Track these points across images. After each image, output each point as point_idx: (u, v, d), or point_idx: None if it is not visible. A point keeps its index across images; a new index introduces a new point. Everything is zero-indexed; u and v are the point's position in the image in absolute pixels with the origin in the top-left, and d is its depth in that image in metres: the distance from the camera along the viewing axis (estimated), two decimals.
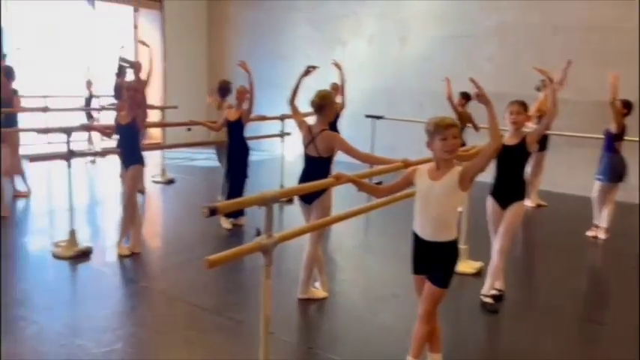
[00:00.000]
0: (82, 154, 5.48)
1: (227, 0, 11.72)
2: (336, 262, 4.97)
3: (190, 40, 11.64)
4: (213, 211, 2.19)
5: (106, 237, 5.43)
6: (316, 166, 3.64)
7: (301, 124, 3.78)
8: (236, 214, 5.77)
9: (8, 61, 8.06)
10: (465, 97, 6.71)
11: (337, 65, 7.02)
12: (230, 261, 2.38)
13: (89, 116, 8.90)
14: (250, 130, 6.30)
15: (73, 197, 4.74)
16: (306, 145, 3.67)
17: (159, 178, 7.87)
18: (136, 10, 11.28)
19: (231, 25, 11.74)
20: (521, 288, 4.53)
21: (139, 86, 4.64)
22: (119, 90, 5.55)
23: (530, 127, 6.31)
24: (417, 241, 2.74)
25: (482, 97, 2.66)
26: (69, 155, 4.57)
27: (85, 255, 4.68)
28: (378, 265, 5.02)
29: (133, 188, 4.67)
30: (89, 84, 8.91)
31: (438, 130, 2.57)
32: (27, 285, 4.16)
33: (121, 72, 7.63)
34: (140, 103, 4.55)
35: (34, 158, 4.41)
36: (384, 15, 9.69)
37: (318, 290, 4.05)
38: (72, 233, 4.72)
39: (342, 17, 10.14)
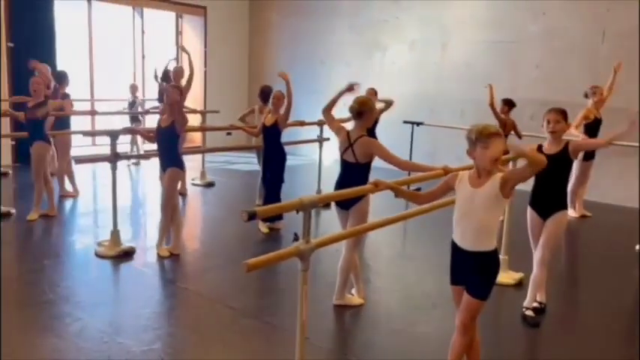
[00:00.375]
0: (126, 157, 5.61)
1: (268, 7, 11.87)
2: (372, 269, 4.94)
3: (232, 45, 11.84)
4: (251, 216, 2.21)
5: (148, 237, 5.55)
6: (354, 172, 3.62)
7: (339, 131, 3.77)
8: (274, 218, 5.81)
9: (60, 66, 8.40)
10: (508, 104, 6.57)
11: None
12: (268, 265, 2.39)
13: (133, 120, 9.16)
14: (289, 135, 6.35)
15: (116, 198, 4.87)
16: (344, 151, 3.66)
17: (199, 181, 8.00)
18: (179, 17, 11.56)
19: (272, 31, 11.88)
20: (563, 302, 4.39)
21: (178, 91, 4.74)
22: (162, 94, 5.67)
23: (574, 134, 6.14)
24: (456, 250, 2.69)
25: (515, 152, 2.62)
26: (113, 158, 4.70)
27: (127, 255, 4.81)
28: (416, 274, 4.96)
29: (171, 191, 4.75)
30: (134, 88, 9.18)
31: (481, 138, 2.51)
32: (72, 282, 4.30)
33: (165, 77, 7.83)
34: (179, 107, 4.64)
35: (79, 160, 4.55)
36: (425, 20, 9.60)
37: (354, 297, 4.03)
38: (115, 233, 4.85)
39: (382, 22, 10.11)
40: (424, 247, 5.80)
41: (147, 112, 7.98)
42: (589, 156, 6.59)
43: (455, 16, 9.27)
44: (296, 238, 2.34)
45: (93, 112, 7.13)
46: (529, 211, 3.83)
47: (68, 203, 6.64)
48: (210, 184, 8.02)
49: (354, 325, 3.86)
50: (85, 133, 4.47)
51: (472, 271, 2.62)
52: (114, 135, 4.66)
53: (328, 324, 3.76)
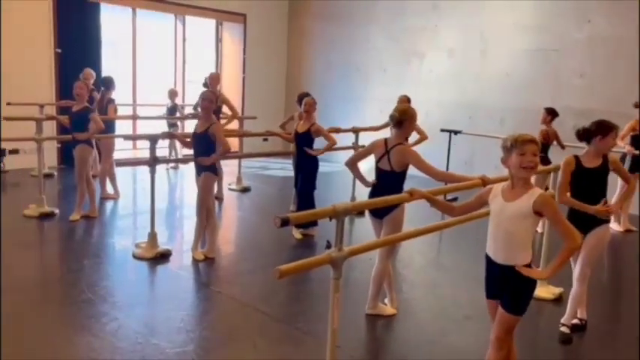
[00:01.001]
0: (165, 161, 5.72)
1: (305, 13, 11.95)
2: (406, 278, 4.88)
3: (270, 52, 11.96)
4: (284, 222, 2.22)
5: (184, 240, 5.64)
6: (389, 181, 3.59)
7: (377, 142, 3.74)
8: (307, 224, 5.82)
9: (105, 71, 8.66)
10: (551, 113, 6.40)
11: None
12: (300, 272, 2.39)
13: (171, 125, 9.34)
14: (323, 141, 6.34)
15: (154, 201, 4.97)
16: (379, 159, 3.64)
17: (235, 186, 8.09)
18: (219, 24, 11.76)
19: (309, 37, 11.95)
20: (605, 318, 4.22)
21: (214, 97, 4.80)
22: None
23: (619, 145, 5.93)
24: (490, 263, 2.63)
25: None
26: (152, 161, 4.80)
27: (163, 257, 4.90)
28: (450, 285, 4.87)
29: (205, 195, 4.81)
30: (173, 94, 9.35)
31: (516, 144, 2.45)
32: (110, 283, 4.40)
33: (207, 84, 7.96)
34: (213, 113, 4.71)
35: (120, 163, 4.67)
36: (464, 27, 9.48)
37: (387, 307, 3.98)
38: (152, 236, 4.94)
39: (420, 29, 10.03)
40: (459, 258, 5.69)
41: (186, 117, 8.11)
42: (635, 168, 6.35)
43: (495, 23, 9.12)
44: (328, 246, 2.31)
45: (134, 117, 7.28)
46: None
47: (109, 205, 6.82)
48: (246, 189, 8.10)
49: (386, 335, 3.81)
50: (126, 137, 4.58)
51: (506, 285, 2.56)
52: (153, 139, 4.76)
53: (360, 333, 3.73)
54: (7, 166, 8.44)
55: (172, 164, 9.45)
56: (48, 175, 8.16)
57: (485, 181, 3.24)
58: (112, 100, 6.86)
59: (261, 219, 6.68)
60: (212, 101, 4.65)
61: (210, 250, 4.95)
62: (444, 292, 4.68)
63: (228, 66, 11.72)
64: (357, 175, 3.99)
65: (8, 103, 7.62)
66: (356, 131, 7.04)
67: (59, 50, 8.83)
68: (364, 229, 6.26)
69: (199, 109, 5.81)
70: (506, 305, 2.56)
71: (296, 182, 5.87)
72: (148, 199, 4.97)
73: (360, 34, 10.91)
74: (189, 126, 9.55)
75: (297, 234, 5.78)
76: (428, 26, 9.94)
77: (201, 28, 11.81)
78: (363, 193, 7.37)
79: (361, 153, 3.97)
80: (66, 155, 9.14)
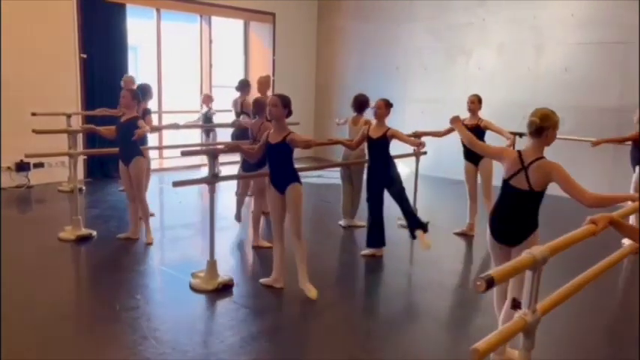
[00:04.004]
0: (226, 178, 5.09)
1: (337, 12, 11.31)
2: None
3: (300, 53, 11.35)
4: (490, 283, 1.58)
5: (245, 266, 5.04)
6: (523, 202, 2.94)
7: (506, 154, 3.07)
8: (375, 243, 5.20)
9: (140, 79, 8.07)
10: None
11: None
12: (497, 346, 1.75)
13: (207, 133, 8.73)
14: None
15: (214, 225, 4.33)
16: (512, 175, 2.97)
17: None
18: (247, 24, 11.14)
19: (341, 38, 11.31)
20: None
21: (280, 101, 4.13)
22: (260, 106, 5.14)
23: None
24: None
25: None
26: (212, 179, 4.18)
27: (225, 288, 4.26)
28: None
29: (301, 211, 4.14)
30: (208, 99, 8.72)
31: None
32: (170, 324, 3.74)
33: (243, 88, 7.36)
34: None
35: (177, 183, 4.04)
36: (516, 21, 8.81)
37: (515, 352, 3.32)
38: (212, 264, 4.31)
39: (466, 25, 9.37)
40: None
41: (240, 125, 7.27)
42: None
43: (551, 15, 8.45)
44: (516, 305, 1.74)
45: (176, 127, 6.66)
46: None
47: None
48: None
49: None
50: (185, 152, 3.94)
51: None
52: (214, 154, 4.14)
53: None
54: (31, 180, 7.86)
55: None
56: (78, 190, 7.58)
57: None
58: (148, 111, 6.25)
59: (320, 236, 6.02)
60: (279, 105, 4.00)
61: (277, 278, 4.30)
62: None
63: (257, 68, 11.09)
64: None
65: (33, 114, 7.01)
66: (417, 137, 6.37)
67: (84, 55, 8.23)
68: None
69: (257, 117, 5.22)
70: None
71: (369, 195, 5.19)
72: (181, 216, 4.31)
73: (400, 31, 10.25)
74: (223, 134, 8.94)
75: (367, 253, 5.16)
76: (475, 21, 9.28)
77: (228, 29, 11.22)
78: (424, 203, 6.66)
79: (491, 150, 3.29)
80: (93, 168, 8.57)
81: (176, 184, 4.00)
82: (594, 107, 8.06)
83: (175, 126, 6.62)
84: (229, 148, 4.28)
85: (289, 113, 4.11)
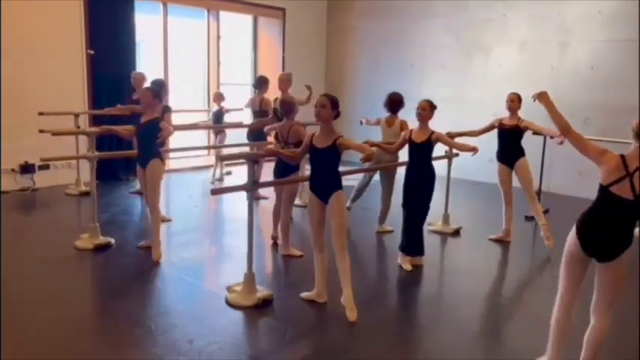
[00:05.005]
0: (267, 184, 4.76)
1: (348, 8, 10.99)
2: None
3: (310, 51, 11.01)
4: None
5: (281, 279, 4.73)
6: (626, 214, 2.64)
7: (607, 158, 2.74)
8: (415, 251, 4.90)
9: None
10: None
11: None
12: None
13: (216, 133, 8.37)
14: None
15: (252, 235, 3.99)
16: (614, 182, 2.66)
17: (298, 201, 7.11)
18: (256, 20, 10.79)
19: (352, 34, 10.98)
20: None
21: (329, 102, 3.81)
22: (289, 107, 4.81)
23: None
24: None
25: None
26: (251, 186, 3.84)
27: (265, 304, 3.94)
28: None
29: (346, 218, 3.84)
30: (219, 97, 8.34)
31: None
32: (216, 343, 3.42)
33: (261, 85, 7.04)
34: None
35: (215, 191, 3.70)
36: (539, 17, 8.54)
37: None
38: (250, 277, 3.98)
39: (485, 21, 9.09)
40: None
41: (255, 123, 6.88)
42: None
43: (576, 11, 8.18)
44: None
45: (206, 127, 6.30)
46: None
47: (167, 229, 5.84)
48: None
49: None
50: (224, 158, 3.60)
51: None
52: (254, 159, 3.81)
53: None
54: (37, 183, 7.47)
55: (217, 177, 8.46)
56: (85, 193, 7.21)
57: None
58: (168, 108, 5.89)
59: (357, 245, 5.69)
60: (328, 106, 3.68)
61: (320, 293, 3.98)
62: None
63: (266, 66, 10.74)
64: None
65: (40, 113, 6.64)
66: (452, 137, 6.06)
67: (91, 52, 7.84)
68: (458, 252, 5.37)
69: (285, 119, 4.89)
70: None
71: (407, 201, 4.87)
72: (199, 221, 3.99)
73: (415, 28, 9.95)
74: (233, 135, 8.59)
75: (407, 265, 4.84)
76: (495, 17, 9.00)
77: (237, 25, 10.85)
78: (456, 208, 6.32)
79: (589, 148, 2.82)
80: (101, 170, 8.15)
81: (214, 192, 3.67)
82: (622, 107, 7.79)
83: (195, 126, 6.26)
84: (268, 153, 3.93)
85: (338, 114, 3.80)
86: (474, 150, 4.47)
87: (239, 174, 8.86)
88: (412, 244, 4.88)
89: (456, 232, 6.08)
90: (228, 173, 8.83)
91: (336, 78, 11.30)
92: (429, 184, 4.75)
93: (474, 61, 9.32)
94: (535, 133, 5.83)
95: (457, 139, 5.38)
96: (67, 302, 3.94)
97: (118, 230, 5.67)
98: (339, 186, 3.77)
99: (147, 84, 6.98)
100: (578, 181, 7.78)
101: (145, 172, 4.72)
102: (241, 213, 6.03)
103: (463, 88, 9.39)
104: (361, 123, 6.29)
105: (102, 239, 5.11)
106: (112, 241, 5.21)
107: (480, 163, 6.68)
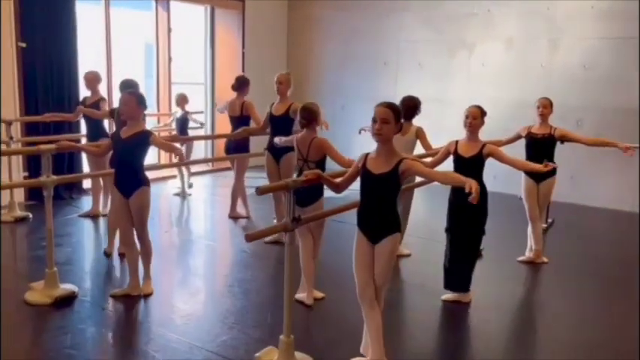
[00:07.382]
0: (311, 219, 3.75)
1: (310, 1, 10.05)
2: None
3: (270, 44, 9.96)
4: None
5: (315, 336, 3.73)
6: None
7: None
8: (459, 286, 4.11)
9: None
10: None
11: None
12: None
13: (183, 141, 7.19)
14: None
15: (291, 288, 3.01)
16: None
17: None
18: (211, 12, 9.60)
19: (317, 27, 10.06)
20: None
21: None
22: (311, 115, 3.85)
23: None
24: None
25: None
26: (294, 224, 2.86)
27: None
28: None
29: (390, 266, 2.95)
30: (184, 100, 7.16)
31: None
32: None
33: (242, 87, 6.02)
34: None
35: (251, 236, 2.70)
36: (527, 12, 8.03)
37: None
38: (287, 344, 3.00)
39: (468, 16, 8.49)
40: None
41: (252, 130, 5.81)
42: None
43: (567, 5, 7.74)
44: None
45: (212, 137, 5.16)
46: None
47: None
48: None
49: None
50: (263, 191, 2.63)
51: None
52: (294, 189, 2.82)
53: None
54: None
55: (179, 188, 7.33)
56: (21, 219, 5.87)
57: None
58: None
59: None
60: (392, 122, 2.80)
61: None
62: None
63: (224, 63, 9.61)
64: None
65: None
66: None
67: (23, 44, 6.42)
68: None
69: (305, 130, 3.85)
70: None
71: (451, 226, 4.05)
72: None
73: (389, 23, 9.19)
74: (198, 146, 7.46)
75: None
76: (478, 12, 8.41)
77: (189, 17, 9.65)
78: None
79: None
80: (34, 188, 6.75)
81: (250, 237, 2.64)
82: (616, 107, 7.45)
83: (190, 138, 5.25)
84: (310, 180, 2.94)
85: (400, 128, 2.91)
86: (547, 167, 3.76)
87: (200, 186, 7.81)
88: (456, 276, 4.09)
89: (479, 255, 5.35)
90: (190, 186, 7.68)
91: (301, 76, 10.31)
92: (482, 205, 3.96)
93: (455, 58, 8.70)
94: (571, 141, 5.18)
95: None
96: None
97: (79, 273, 4.45)
98: (397, 227, 2.89)
99: (101, 86, 5.79)
100: (572, 186, 7.35)
101: (127, 202, 3.59)
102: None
103: (443, 87, 8.74)
104: (360, 132, 5.39)
105: (62, 289, 3.89)
106: (76, 289, 3.99)
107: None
